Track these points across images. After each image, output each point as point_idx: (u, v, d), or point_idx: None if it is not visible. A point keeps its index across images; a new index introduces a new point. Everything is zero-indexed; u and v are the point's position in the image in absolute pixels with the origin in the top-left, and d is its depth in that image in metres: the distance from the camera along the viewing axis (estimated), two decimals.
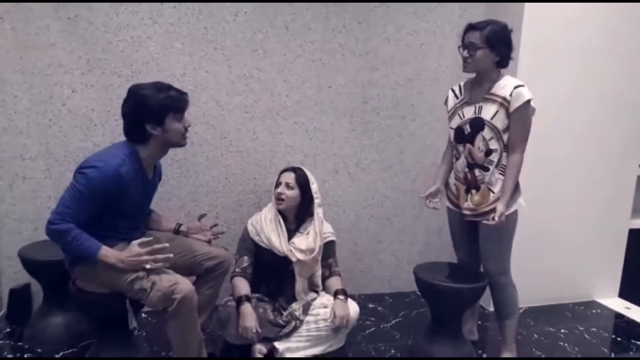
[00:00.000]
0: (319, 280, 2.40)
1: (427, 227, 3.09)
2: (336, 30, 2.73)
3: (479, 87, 2.12)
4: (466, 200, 2.20)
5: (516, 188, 2.13)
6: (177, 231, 2.19)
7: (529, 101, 2.00)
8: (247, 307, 2.15)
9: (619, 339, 2.68)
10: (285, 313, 2.25)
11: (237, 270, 2.30)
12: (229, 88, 2.63)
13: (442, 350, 2.22)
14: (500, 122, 2.04)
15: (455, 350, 2.24)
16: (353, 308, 2.30)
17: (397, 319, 2.77)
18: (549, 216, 2.86)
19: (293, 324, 2.22)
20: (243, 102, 2.67)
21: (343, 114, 2.84)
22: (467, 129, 2.13)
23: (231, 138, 2.69)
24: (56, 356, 2.24)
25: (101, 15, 2.42)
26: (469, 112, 2.12)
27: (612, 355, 2.50)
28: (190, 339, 1.87)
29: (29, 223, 2.49)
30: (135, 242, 1.82)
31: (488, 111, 2.06)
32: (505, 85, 2.04)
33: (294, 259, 2.28)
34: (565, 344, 2.55)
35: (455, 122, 2.18)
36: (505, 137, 2.06)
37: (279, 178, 2.37)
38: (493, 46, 2.02)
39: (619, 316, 2.94)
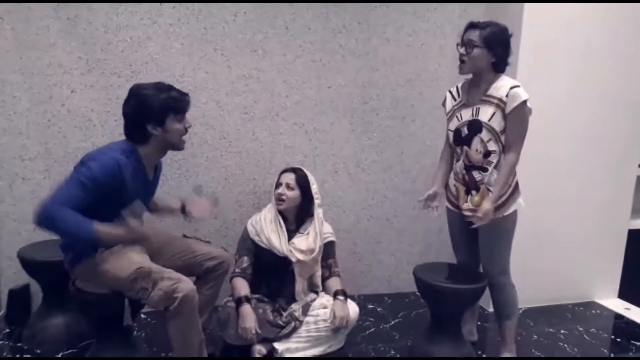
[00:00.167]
0: (318, 281, 2.40)
1: (426, 227, 3.09)
2: (336, 30, 2.73)
3: (475, 88, 2.12)
4: (466, 201, 2.20)
5: (516, 188, 2.13)
6: (183, 209, 2.18)
7: (525, 102, 2.00)
8: (246, 308, 2.15)
9: (618, 339, 2.67)
10: (284, 314, 2.25)
11: (236, 270, 2.30)
12: (229, 88, 2.63)
13: (442, 350, 2.22)
14: (497, 123, 2.04)
15: (454, 350, 2.23)
16: (353, 309, 2.30)
17: (397, 320, 2.77)
18: (548, 216, 2.86)
19: (292, 324, 2.22)
20: (243, 103, 2.67)
21: (343, 114, 2.84)
22: (465, 131, 2.13)
23: (231, 139, 2.69)
24: (55, 357, 2.23)
25: (101, 16, 2.42)
26: (466, 115, 2.12)
27: (612, 355, 2.50)
28: (191, 339, 1.87)
29: (28, 223, 2.47)
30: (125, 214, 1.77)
31: (485, 113, 2.06)
32: (501, 86, 2.04)
33: (293, 260, 2.28)
34: (565, 345, 2.55)
35: (454, 124, 2.18)
36: (503, 138, 2.06)
37: (279, 179, 2.37)
38: (491, 47, 2.02)
39: (618, 317, 2.94)
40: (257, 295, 2.30)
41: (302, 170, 2.39)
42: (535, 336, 2.63)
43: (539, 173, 2.73)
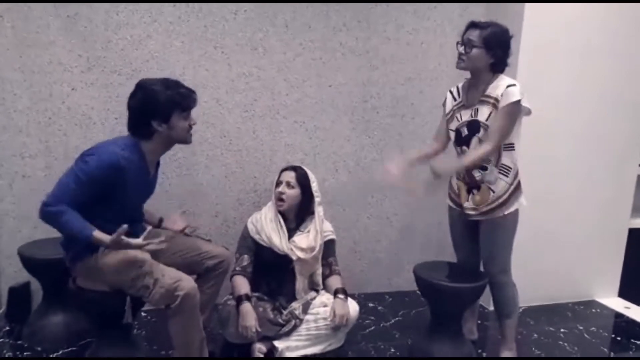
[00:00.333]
0: (319, 279, 2.39)
1: (427, 226, 3.09)
2: (336, 28, 2.73)
3: (474, 89, 2.12)
4: (467, 200, 2.20)
5: (517, 187, 2.13)
6: (158, 225, 2.17)
7: (518, 101, 1.99)
8: (247, 307, 2.15)
9: (618, 338, 2.68)
10: (285, 312, 2.25)
11: (237, 268, 2.29)
12: (229, 87, 2.63)
13: (442, 349, 2.22)
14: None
15: (455, 349, 2.24)
16: (353, 307, 2.30)
17: (397, 318, 2.77)
18: (549, 215, 2.86)
19: (293, 322, 2.22)
20: (243, 101, 2.67)
21: (343, 112, 2.83)
22: (465, 131, 2.13)
23: (231, 137, 2.68)
24: (55, 355, 2.23)
25: (101, 14, 2.42)
26: (465, 115, 2.13)
27: (612, 354, 2.50)
28: (192, 337, 1.87)
29: (28, 221, 2.49)
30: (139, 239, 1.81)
31: (483, 113, 2.06)
32: (498, 86, 2.04)
33: (294, 258, 2.28)
34: (565, 344, 2.55)
35: (454, 124, 2.18)
36: None
37: (279, 177, 2.37)
38: (489, 47, 2.01)
39: (618, 316, 2.94)
40: (257, 294, 2.29)
41: (302, 169, 2.39)
42: (535, 335, 2.63)
43: (539, 173, 2.73)
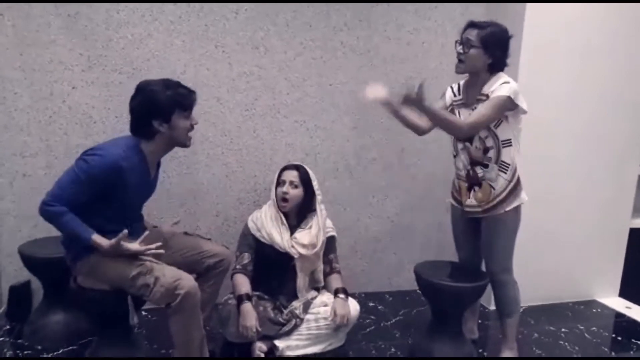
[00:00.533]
0: (320, 276, 2.39)
1: (427, 225, 3.09)
2: (337, 28, 2.73)
3: (473, 88, 2.12)
4: (469, 198, 2.20)
5: (517, 184, 2.13)
6: None
7: (508, 98, 1.97)
8: (247, 306, 2.15)
9: (619, 338, 2.68)
10: (285, 311, 2.25)
11: (237, 267, 2.29)
12: (230, 86, 2.63)
13: (443, 349, 2.22)
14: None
15: (455, 349, 2.24)
16: (353, 306, 2.30)
17: (398, 318, 2.77)
18: (549, 216, 2.86)
19: (293, 322, 2.22)
20: (244, 100, 2.67)
21: (344, 112, 2.83)
22: None
23: (232, 136, 2.68)
24: (56, 354, 2.23)
25: (101, 13, 2.42)
26: (465, 113, 2.13)
27: (613, 354, 2.50)
28: (193, 335, 1.87)
29: (29, 220, 2.49)
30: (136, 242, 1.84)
31: None
32: (494, 83, 2.04)
33: (296, 256, 2.28)
34: (566, 343, 2.55)
35: None
36: (498, 131, 2.05)
37: (280, 176, 2.36)
38: (487, 47, 2.01)
39: (619, 315, 2.94)
40: (257, 293, 2.29)
41: (304, 167, 2.39)
42: (536, 334, 2.63)
43: (540, 173, 2.73)
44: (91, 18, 2.41)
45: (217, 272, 2.14)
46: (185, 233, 2.23)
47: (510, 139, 2.08)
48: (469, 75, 2.13)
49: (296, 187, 2.32)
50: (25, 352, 2.23)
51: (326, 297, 2.32)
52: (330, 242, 2.42)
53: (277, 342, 2.19)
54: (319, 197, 2.38)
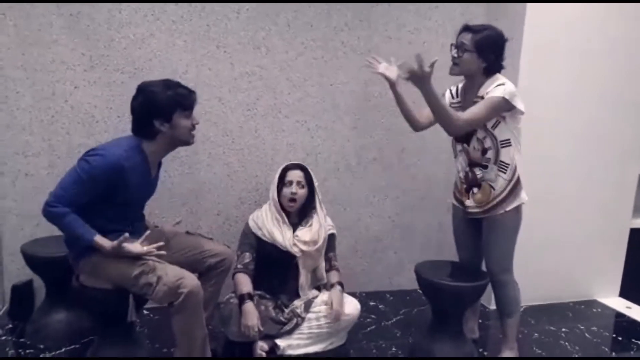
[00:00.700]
0: (323, 273, 2.39)
1: (428, 225, 3.10)
2: (338, 28, 2.74)
3: (470, 91, 2.13)
4: (468, 199, 2.20)
5: (516, 184, 2.13)
6: None
7: (503, 99, 1.97)
8: (249, 306, 2.15)
9: (619, 338, 2.68)
10: (286, 310, 2.25)
11: (239, 266, 2.30)
12: (231, 85, 2.64)
13: (443, 348, 2.23)
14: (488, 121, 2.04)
15: (456, 348, 2.24)
16: (354, 305, 2.31)
17: (398, 317, 2.77)
18: (549, 216, 2.86)
19: (295, 321, 2.22)
20: (245, 100, 2.67)
21: (345, 112, 2.84)
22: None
23: (233, 136, 2.69)
24: (58, 352, 2.24)
25: (103, 12, 2.42)
26: None
27: (613, 354, 2.51)
28: (195, 334, 1.88)
29: (31, 219, 2.49)
30: (137, 242, 1.85)
31: None
32: (490, 85, 2.04)
33: (297, 254, 2.29)
34: (566, 343, 2.56)
35: None
36: (495, 132, 2.06)
37: (284, 177, 2.35)
38: (481, 51, 2.02)
39: (619, 315, 2.94)
40: (259, 292, 2.29)
41: (306, 166, 2.40)
42: (536, 334, 2.63)
43: (540, 173, 2.73)
44: (93, 18, 2.42)
45: (218, 272, 2.15)
46: (187, 232, 2.24)
47: (509, 139, 2.08)
48: (465, 78, 2.13)
49: (303, 187, 2.33)
50: (28, 351, 2.24)
51: (327, 296, 2.33)
52: (330, 240, 2.42)
53: (278, 341, 2.20)
54: (320, 196, 2.39)
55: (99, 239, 1.78)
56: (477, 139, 2.10)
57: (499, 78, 2.06)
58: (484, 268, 2.32)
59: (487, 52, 2.02)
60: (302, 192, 2.33)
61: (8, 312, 2.52)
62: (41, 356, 2.20)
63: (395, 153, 2.97)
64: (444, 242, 2.98)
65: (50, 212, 1.75)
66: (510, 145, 2.08)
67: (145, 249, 1.83)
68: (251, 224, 2.37)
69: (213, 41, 2.58)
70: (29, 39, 2.38)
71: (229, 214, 2.76)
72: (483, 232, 2.22)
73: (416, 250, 3.08)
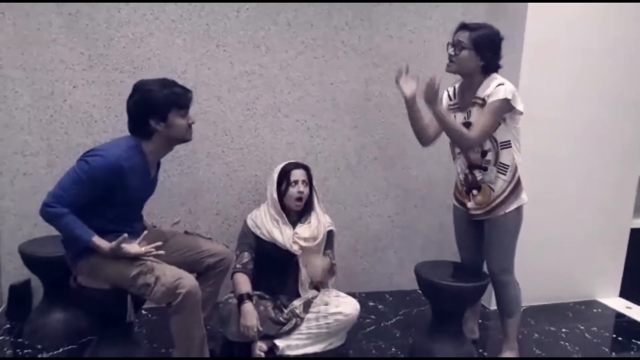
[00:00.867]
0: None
1: (428, 225, 3.09)
2: (338, 27, 2.73)
3: (467, 91, 2.12)
4: (470, 201, 2.20)
5: (516, 186, 2.12)
6: None
7: (505, 100, 1.97)
8: (248, 306, 2.15)
9: (619, 338, 2.67)
10: (286, 310, 2.24)
11: (237, 266, 2.29)
12: (231, 85, 2.63)
13: (443, 348, 2.22)
14: None
15: (456, 348, 2.23)
16: (353, 305, 2.30)
17: (398, 317, 2.77)
18: (549, 216, 2.86)
19: (294, 321, 2.22)
20: (245, 99, 2.67)
21: (345, 111, 2.83)
22: None
23: (233, 135, 2.68)
24: (56, 353, 2.23)
25: (103, 11, 2.42)
26: (460, 117, 2.14)
27: (613, 354, 2.50)
28: (193, 335, 1.87)
29: (29, 219, 2.48)
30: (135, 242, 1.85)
31: (475, 115, 2.06)
32: (488, 86, 2.03)
33: (297, 253, 2.28)
34: (566, 343, 2.55)
35: None
36: (495, 134, 2.05)
37: (289, 176, 2.33)
38: (479, 49, 2.01)
39: (619, 316, 2.94)
40: (258, 292, 2.29)
41: (306, 165, 2.41)
42: (536, 335, 2.63)
43: (540, 173, 2.72)
44: (92, 17, 2.41)
45: (217, 272, 2.14)
46: (186, 232, 2.24)
47: (509, 140, 2.07)
48: (462, 77, 2.13)
49: (306, 185, 2.34)
50: (25, 351, 2.23)
51: (327, 296, 2.32)
52: (328, 236, 2.42)
53: (277, 342, 2.19)
54: (318, 194, 2.41)
55: (97, 240, 1.77)
56: None
57: (497, 77, 2.05)
58: (485, 268, 2.31)
59: (484, 50, 2.02)
60: (306, 190, 2.33)
61: (5, 312, 2.51)
62: (39, 356, 2.20)
63: (396, 152, 2.96)
64: (444, 242, 2.98)
65: (48, 213, 1.74)
66: (510, 147, 2.08)
67: (143, 249, 1.83)
68: (250, 223, 2.36)
69: (212, 40, 2.57)
70: (28, 38, 2.37)
71: (228, 214, 2.75)
72: (485, 233, 2.22)
73: (416, 250, 3.08)
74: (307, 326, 2.23)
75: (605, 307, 3.03)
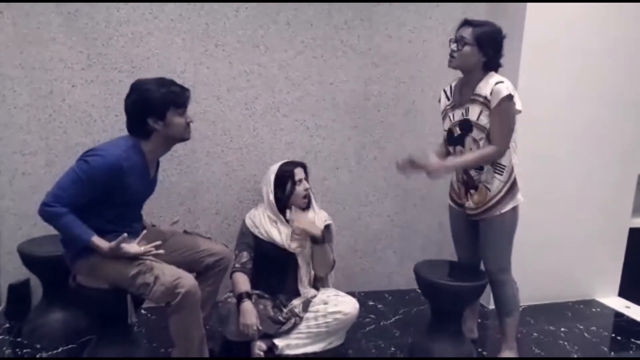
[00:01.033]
0: None
1: (427, 224, 3.09)
2: (338, 26, 2.73)
3: (466, 88, 2.12)
4: (468, 200, 2.20)
5: (512, 186, 2.12)
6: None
7: (509, 96, 1.98)
8: (247, 305, 2.15)
9: (618, 337, 2.68)
10: (285, 310, 2.24)
11: (236, 265, 2.29)
12: (230, 84, 2.63)
13: (442, 348, 2.22)
14: (485, 121, 2.03)
15: (455, 348, 2.23)
16: (353, 304, 2.29)
17: (397, 317, 2.77)
18: (549, 215, 2.86)
19: (293, 320, 2.21)
20: (244, 99, 2.66)
21: (344, 111, 2.83)
22: (457, 130, 2.13)
23: (232, 134, 2.68)
24: (55, 352, 2.23)
25: (102, 11, 2.41)
26: (457, 115, 2.13)
27: (612, 354, 2.50)
28: (193, 334, 1.87)
29: (28, 219, 2.48)
30: (134, 242, 1.85)
31: (474, 112, 2.06)
32: (487, 84, 2.03)
33: (297, 251, 2.28)
34: (565, 343, 2.55)
35: (447, 124, 2.19)
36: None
37: (293, 176, 2.33)
38: (481, 46, 2.01)
39: (618, 315, 2.94)
40: (257, 291, 2.29)
41: (303, 162, 2.42)
42: (535, 334, 2.63)
43: (539, 173, 2.73)
44: (91, 16, 2.41)
45: (216, 271, 2.14)
46: (185, 232, 2.24)
47: None
48: (463, 73, 2.13)
49: (307, 181, 2.37)
50: (24, 351, 2.23)
51: (326, 295, 2.32)
52: (327, 231, 2.41)
53: (276, 341, 2.19)
54: (312, 190, 2.43)
55: (96, 240, 1.77)
56: (474, 140, 2.08)
57: (494, 75, 2.05)
58: (482, 268, 2.31)
59: (486, 46, 2.02)
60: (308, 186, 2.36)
61: (5, 312, 2.51)
62: (38, 356, 2.20)
63: (395, 152, 2.95)
64: (443, 241, 2.98)
65: (47, 212, 1.73)
66: (508, 148, 2.08)
67: (142, 248, 1.83)
68: (248, 222, 2.36)
69: (211, 40, 2.57)
70: (27, 37, 2.37)
71: (227, 213, 2.75)
72: (480, 233, 2.22)
73: (416, 249, 3.08)
74: (306, 325, 2.23)
75: (604, 307, 3.03)
